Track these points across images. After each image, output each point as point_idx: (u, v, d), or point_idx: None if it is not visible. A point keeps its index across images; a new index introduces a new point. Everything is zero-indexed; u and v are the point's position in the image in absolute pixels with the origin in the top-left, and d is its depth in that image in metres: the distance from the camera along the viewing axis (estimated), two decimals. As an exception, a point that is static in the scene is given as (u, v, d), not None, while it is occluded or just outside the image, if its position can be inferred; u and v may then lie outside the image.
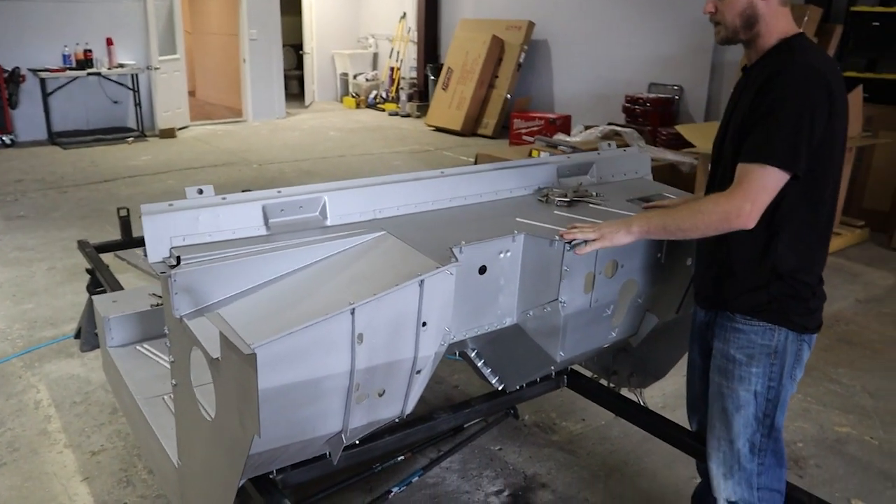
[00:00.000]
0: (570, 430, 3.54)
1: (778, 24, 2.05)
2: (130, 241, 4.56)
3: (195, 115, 12.28)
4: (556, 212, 2.49)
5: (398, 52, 14.50)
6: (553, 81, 11.75)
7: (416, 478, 3.08)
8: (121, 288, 3.76)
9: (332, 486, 2.89)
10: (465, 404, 2.84)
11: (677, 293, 2.64)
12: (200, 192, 2.08)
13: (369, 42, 15.55)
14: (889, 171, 6.95)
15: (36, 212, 7.06)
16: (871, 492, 3.15)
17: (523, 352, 2.46)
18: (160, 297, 3.20)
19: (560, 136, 8.40)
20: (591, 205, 2.58)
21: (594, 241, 2.13)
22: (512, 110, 11.33)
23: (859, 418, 3.73)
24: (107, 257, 4.43)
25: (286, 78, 13.53)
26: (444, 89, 12.25)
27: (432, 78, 13.08)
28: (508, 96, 11.65)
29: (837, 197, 2.14)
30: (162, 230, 1.96)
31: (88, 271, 4.26)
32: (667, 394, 3.77)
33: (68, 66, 10.34)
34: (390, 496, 2.96)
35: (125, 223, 4.49)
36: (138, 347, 3.05)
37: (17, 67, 10.05)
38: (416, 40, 14.02)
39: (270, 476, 2.23)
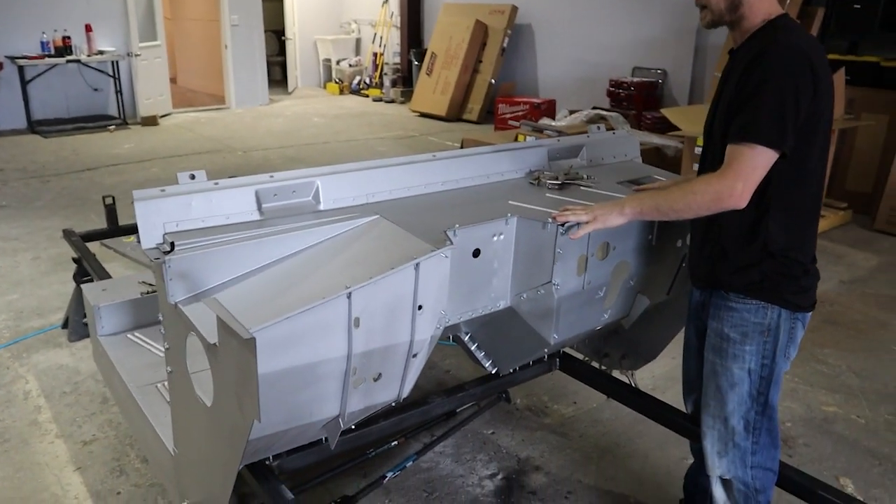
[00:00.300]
0: (562, 413, 3.57)
1: (762, 5, 2.07)
2: (116, 229, 4.53)
3: (177, 103, 12.15)
4: (547, 194, 2.49)
5: (381, 38, 14.41)
6: (537, 66, 11.73)
7: (410, 462, 3.09)
8: (108, 277, 3.73)
9: (326, 471, 2.89)
10: (459, 388, 2.85)
11: (668, 275, 2.66)
12: (192, 177, 2.06)
13: (352, 27, 15.44)
14: (871, 153, 7.03)
15: (18, 201, 6.98)
16: (859, 469, 3.20)
17: (517, 334, 2.47)
18: (150, 284, 3.18)
19: (546, 121, 8.40)
20: (582, 187, 2.59)
21: (587, 223, 2.14)
22: (497, 95, 11.31)
23: (845, 398, 3.78)
24: (92, 246, 4.39)
25: (268, 64, 13.42)
26: (428, 74, 12.20)
27: (416, 63, 13.00)
28: (493, 81, 11.62)
29: (825, 176, 2.17)
30: (154, 216, 1.94)
31: (75, 260, 4.22)
32: (656, 375, 3.81)
33: (47, 53, 10.18)
34: (385, 481, 2.97)
35: (111, 211, 4.45)
36: (129, 336, 3.03)
37: (-5, 55, 9.91)
38: (399, 25, 13.93)
39: (267, 462, 2.23)
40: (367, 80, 14.61)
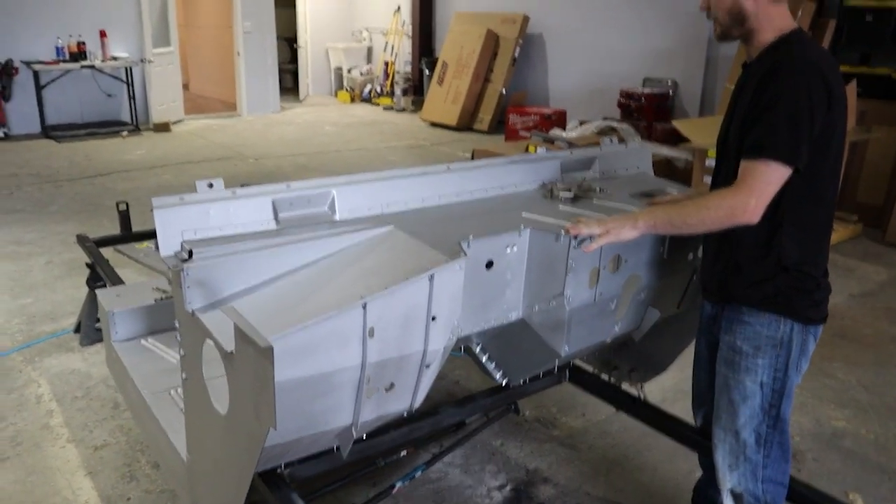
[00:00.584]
0: (570, 425, 3.57)
1: (773, 20, 2.08)
2: (130, 235, 4.56)
3: (189, 109, 12.24)
4: (560, 207, 2.51)
5: (393, 46, 14.48)
6: (548, 76, 11.76)
7: (419, 472, 3.09)
8: (121, 282, 3.76)
9: (336, 480, 2.90)
10: (469, 399, 2.86)
11: (679, 288, 2.67)
12: (211, 185, 2.08)
13: (363, 36, 15.52)
14: (882, 165, 7.00)
15: (32, 206, 7.04)
16: (868, 485, 3.19)
17: (528, 346, 2.48)
18: (164, 291, 3.20)
19: (556, 132, 8.41)
20: (595, 200, 2.60)
21: (600, 236, 2.15)
22: (507, 105, 11.34)
23: (855, 412, 3.77)
24: (105, 252, 4.42)
25: (280, 72, 13.50)
26: (439, 84, 12.24)
27: (427, 72, 13.05)
28: (504, 91, 11.65)
29: (838, 190, 2.18)
30: (173, 224, 1.97)
31: (88, 266, 4.25)
32: (666, 388, 3.80)
33: (61, 58, 10.29)
34: (394, 491, 2.97)
35: (125, 217, 4.48)
36: (143, 342, 3.05)
37: (10, 59, 10.00)
38: (410, 34, 14.00)
39: (278, 471, 2.25)
40: (379, 89, 14.67)
